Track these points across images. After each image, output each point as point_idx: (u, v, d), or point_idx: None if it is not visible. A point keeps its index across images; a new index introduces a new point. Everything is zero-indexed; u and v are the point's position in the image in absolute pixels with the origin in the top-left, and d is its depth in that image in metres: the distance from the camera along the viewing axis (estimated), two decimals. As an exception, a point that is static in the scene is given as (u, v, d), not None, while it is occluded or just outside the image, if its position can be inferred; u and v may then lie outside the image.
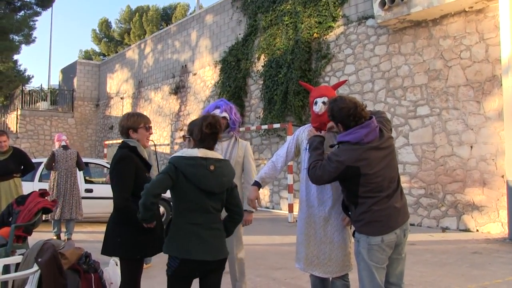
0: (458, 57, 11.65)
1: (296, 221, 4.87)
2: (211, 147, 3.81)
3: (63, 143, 10.24)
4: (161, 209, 11.27)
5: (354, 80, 14.07)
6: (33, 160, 10.37)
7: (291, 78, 15.41)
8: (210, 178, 3.66)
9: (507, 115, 10.24)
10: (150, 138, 4.66)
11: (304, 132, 4.73)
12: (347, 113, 3.90)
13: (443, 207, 11.77)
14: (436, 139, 11.98)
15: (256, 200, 4.76)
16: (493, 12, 11.05)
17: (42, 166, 11.53)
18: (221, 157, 3.84)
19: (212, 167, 3.67)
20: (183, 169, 3.60)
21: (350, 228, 4.22)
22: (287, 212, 13.87)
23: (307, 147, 4.34)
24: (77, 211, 10.05)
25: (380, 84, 13.45)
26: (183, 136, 4.01)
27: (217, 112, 5.04)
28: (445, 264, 8.01)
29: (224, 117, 5.19)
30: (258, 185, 4.79)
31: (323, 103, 4.44)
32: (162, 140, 23.79)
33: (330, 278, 4.50)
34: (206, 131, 3.75)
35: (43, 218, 6.85)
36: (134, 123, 4.41)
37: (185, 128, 21.36)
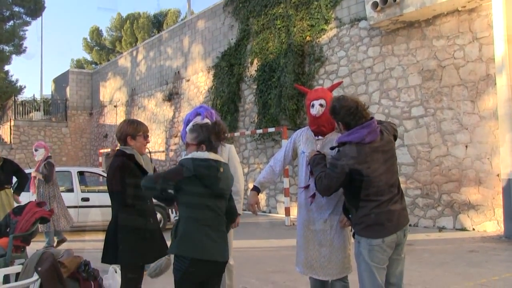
0: (452, 57, 11.72)
1: (293, 224, 4.90)
2: (216, 152, 3.90)
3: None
4: (158, 215, 11.24)
5: (348, 83, 14.12)
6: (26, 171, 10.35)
7: (284, 82, 15.43)
8: (221, 180, 3.75)
9: (502, 114, 10.32)
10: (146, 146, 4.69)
11: (301, 136, 4.74)
12: (348, 112, 3.92)
13: (439, 207, 11.82)
14: (431, 139, 12.04)
15: (256, 205, 4.78)
16: (486, 11, 11.10)
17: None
18: (224, 160, 3.93)
19: (221, 170, 3.76)
20: (197, 170, 3.65)
21: (351, 230, 4.23)
22: (284, 215, 13.88)
23: (309, 168, 4.36)
24: (70, 219, 9.93)
25: (374, 86, 13.51)
26: (186, 143, 4.04)
27: (198, 119, 4.96)
28: (443, 263, 8.05)
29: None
30: (257, 190, 4.82)
31: (320, 105, 4.45)
32: (157, 147, 23.79)
33: (330, 280, 4.52)
34: (222, 137, 3.89)
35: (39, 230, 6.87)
36: (134, 131, 4.45)
37: (180, 134, 21.36)
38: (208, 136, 3.83)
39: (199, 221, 3.69)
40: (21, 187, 9.12)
